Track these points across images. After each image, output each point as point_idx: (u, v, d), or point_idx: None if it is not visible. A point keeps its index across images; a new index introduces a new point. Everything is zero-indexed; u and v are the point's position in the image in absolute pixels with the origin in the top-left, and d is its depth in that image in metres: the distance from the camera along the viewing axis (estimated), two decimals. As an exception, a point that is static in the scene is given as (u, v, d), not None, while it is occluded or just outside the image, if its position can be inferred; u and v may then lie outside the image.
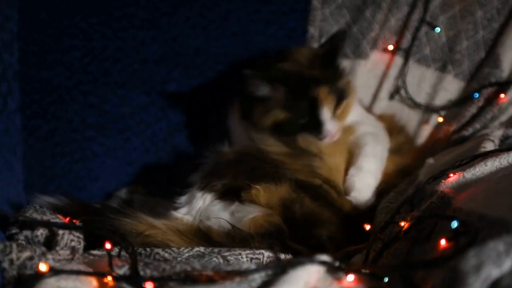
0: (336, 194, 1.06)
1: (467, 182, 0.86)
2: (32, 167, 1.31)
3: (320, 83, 1.14)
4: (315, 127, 1.13)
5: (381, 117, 1.31)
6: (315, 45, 1.43)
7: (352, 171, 1.09)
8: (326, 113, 1.13)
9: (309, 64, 1.18)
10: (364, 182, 1.08)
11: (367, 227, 0.96)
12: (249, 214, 0.99)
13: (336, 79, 1.18)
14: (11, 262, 0.69)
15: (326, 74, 1.16)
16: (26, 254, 0.70)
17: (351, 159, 1.13)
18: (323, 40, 1.44)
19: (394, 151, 1.20)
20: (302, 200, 1.00)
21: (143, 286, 0.65)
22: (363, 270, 0.70)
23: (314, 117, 1.13)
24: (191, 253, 0.86)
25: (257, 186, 1.00)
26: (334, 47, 1.18)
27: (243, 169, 1.04)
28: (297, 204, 0.99)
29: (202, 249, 0.88)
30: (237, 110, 1.25)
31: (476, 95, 1.32)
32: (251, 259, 0.86)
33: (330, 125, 1.13)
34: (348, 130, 1.18)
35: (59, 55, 1.35)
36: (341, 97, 1.17)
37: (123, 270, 0.68)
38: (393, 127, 1.29)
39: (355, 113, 1.24)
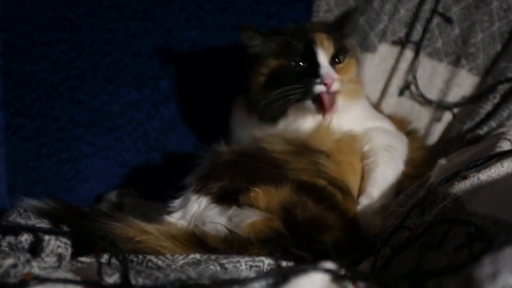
0: (342, 196, 1.06)
1: (482, 184, 0.86)
2: (16, 168, 1.31)
3: (319, 31, 1.16)
4: (312, 73, 1.12)
5: (392, 119, 1.30)
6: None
7: (362, 199, 1.10)
8: (323, 57, 1.13)
9: (312, 27, 1.21)
10: (374, 212, 1.08)
11: (374, 231, 0.96)
12: (247, 219, 0.98)
13: (337, 33, 1.19)
14: (-7, 270, 0.69)
15: (326, 27, 1.19)
16: (9, 261, 0.70)
17: (362, 175, 1.14)
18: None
19: (406, 163, 1.20)
20: (304, 203, 1.00)
21: (135, 295, 0.65)
22: (370, 279, 0.69)
23: (311, 62, 1.13)
24: (186, 260, 0.86)
25: (256, 189, 1.00)
26: (343, 19, 1.21)
27: (242, 170, 1.04)
28: (299, 207, 0.99)
29: (198, 256, 0.88)
30: (241, 105, 1.25)
31: (492, 91, 1.32)
32: (251, 266, 0.85)
33: (328, 70, 1.12)
34: (360, 137, 1.18)
35: (44, 48, 1.35)
36: (342, 49, 1.17)
37: (113, 279, 0.68)
38: (405, 132, 1.29)
39: (368, 117, 1.23)
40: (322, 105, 1.12)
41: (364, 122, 1.20)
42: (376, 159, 1.14)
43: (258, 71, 1.18)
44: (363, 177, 1.14)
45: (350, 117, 1.18)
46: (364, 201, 1.09)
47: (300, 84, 1.12)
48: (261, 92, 1.17)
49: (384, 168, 1.13)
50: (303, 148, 1.09)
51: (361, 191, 1.12)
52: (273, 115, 1.16)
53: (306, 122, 1.16)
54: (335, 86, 1.12)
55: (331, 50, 1.15)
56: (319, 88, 1.11)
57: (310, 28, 1.19)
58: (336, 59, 1.16)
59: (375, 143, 1.16)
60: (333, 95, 1.13)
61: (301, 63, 1.14)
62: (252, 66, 1.20)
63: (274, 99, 1.13)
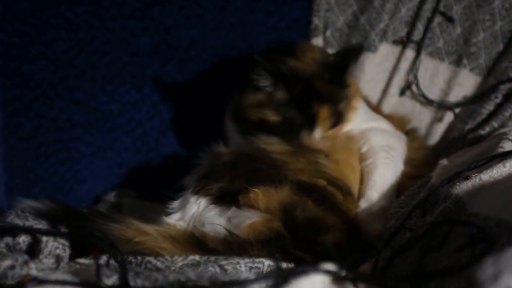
0: (342, 196, 1.06)
1: (484, 184, 0.86)
2: (14, 169, 1.31)
3: (323, 102, 1.16)
4: (303, 132, 1.15)
5: (391, 119, 1.31)
6: (320, 37, 1.43)
7: (362, 203, 1.10)
8: (318, 133, 1.16)
9: (318, 72, 1.18)
10: (375, 215, 1.08)
11: (375, 233, 0.96)
12: (247, 220, 0.98)
13: (339, 99, 1.19)
14: (-9, 271, 0.69)
15: (331, 92, 1.17)
16: (7, 262, 0.70)
17: (361, 176, 1.15)
18: (328, 32, 1.44)
19: (406, 163, 1.20)
20: (304, 204, 1.00)
21: (134, 297, 0.65)
22: (371, 280, 0.69)
23: (306, 128, 1.15)
24: (185, 262, 0.86)
25: (255, 190, 1.00)
26: (346, 61, 1.17)
27: (241, 171, 1.04)
28: (299, 208, 0.99)
29: (197, 257, 0.88)
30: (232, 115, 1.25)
31: (494, 91, 1.32)
32: (250, 268, 0.85)
33: (318, 139, 1.16)
34: (357, 137, 1.18)
35: (43, 47, 1.35)
36: (337, 120, 1.19)
37: (112, 280, 0.68)
38: (404, 131, 1.29)
39: (365, 119, 1.24)
40: None
41: (361, 123, 1.21)
42: (375, 161, 1.14)
43: (254, 104, 1.19)
44: (362, 180, 1.14)
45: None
46: (363, 205, 1.09)
47: (290, 135, 1.14)
48: (251, 120, 1.19)
49: (383, 170, 1.14)
50: (301, 147, 1.10)
51: (360, 194, 1.12)
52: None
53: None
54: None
55: (327, 128, 1.17)
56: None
57: (317, 90, 1.16)
58: (330, 128, 1.18)
59: (373, 144, 1.17)
60: None
61: (295, 131, 1.16)
62: (249, 94, 1.20)
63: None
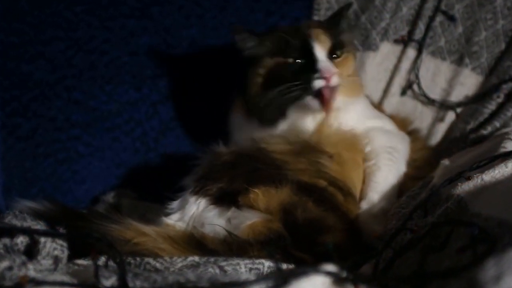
0: (343, 197, 1.06)
1: (485, 185, 0.86)
2: (12, 169, 1.31)
3: (315, 27, 1.17)
4: (310, 69, 1.12)
5: (393, 119, 1.30)
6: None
7: (363, 205, 1.09)
8: (320, 51, 1.14)
9: (307, 24, 1.21)
10: (376, 217, 1.07)
11: (375, 234, 0.96)
12: (247, 220, 0.98)
13: (334, 28, 1.20)
14: (-12, 272, 0.69)
15: (322, 25, 1.20)
16: (5, 264, 0.70)
17: (363, 177, 1.14)
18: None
19: (408, 164, 1.19)
20: (305, 204, 1.00)
21: (132, 298, 0.65)
22: (372, 281, 0.69)
23: (308, 58, 1.13)
24: (184, 263, 0.86)
25: (255, 190, 1.00)
26: (337, 13, 1.23)
27: (241, 171, 1.04)
28: (299, 208, 0.99)
29: (196, 258, 0.88)
30: (239, 106, 1.25)
31: (496, 90, 1.32)
32: (250, 269, 0.85)
33: (326, 64, 1.12)
34: (361, 136, 1.18)
35: (41, 47, 1.35)
36: (339, 44, 1.17)
37: (110, 281, 0.68)
38: (406, 132, 1.28)
39: (367, 116, 1.23)
40: (323, 100, 1.12)
41: (365, 121, 1.20)
42: (378, 162, 1.14)
43: (255, 72, 1.18)
44: (364, 180, 1.13)
45: (351, 114, 1.18)
46: (364, 206, 1.09)
47: (299, 81, 1.11)
48: (259, 93, 1.17)
49: (386, 172, 1.13)
50: (305, 147, 1.09)
51: (361, 195, 1.11)
52: (272, 116, 1.16)
53: (306, 122, 1.16)
54: (334, 80, 1.12)
55: (327, 44, 1.15)
56: (318, 83, 1.11)
57: (305, 25, 1.19)
58: (334, 54, 1.16)
59: (376, 145, 1.16)
60: (333, 90, 1.12)
61: (298, 60, 1.14)
62: (248, 69, 1.20)
63: (273, 99, 1.14)
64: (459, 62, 1.40)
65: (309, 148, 1.10)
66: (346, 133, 1.15)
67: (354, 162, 1.12)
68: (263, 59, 1.17)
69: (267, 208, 1.00)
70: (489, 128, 1.28)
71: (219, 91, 1.40)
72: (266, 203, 1.00)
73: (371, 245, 0.99)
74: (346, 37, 1.22)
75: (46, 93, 1.35)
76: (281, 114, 1.16)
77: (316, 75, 1.11)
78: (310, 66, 1.12)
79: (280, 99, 1.13)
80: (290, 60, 1.14)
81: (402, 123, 1.31)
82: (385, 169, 1.14)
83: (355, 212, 1.07)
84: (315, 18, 1.44)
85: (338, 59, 1.17)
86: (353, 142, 1.15)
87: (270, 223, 0.98)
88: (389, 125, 1.25)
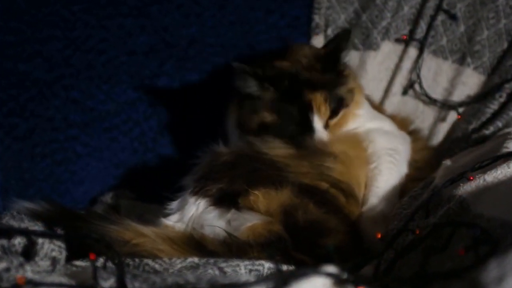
0: (345, 199, 1.06)
1: (488, 185, 0.86)
2: (9, 169, 1.31)
3: (316, 88, 1.14)
4: (305, 132, 1.14)
5: (394, 119, 1.30)
6: (321, 35, 1.43)
7: (364, 209, 1.09)
8: (318, 122, 1.14)
9: (308, 65, 1.17)
10: (376, 222, 1.07)
11: (378, 235, 0.96)
12: (247, 222, 0.98)
13: (335, 84, 1.17)
14: (-14, 274, 0.69)
15: (324, 79, 1.16)
16: (2, 265, 0.70)
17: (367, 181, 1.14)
18: (329, 30, 1.44)
19: (409, 164, 1.19)
20: (306, 206, 1.00)
21: (131, 300, 0.65)
22: (374, 283, 0.70)
23: (305, 125, 1.14)
24: (184, 264, 0.86)
25: (255, 192, 1.00)
26: (337, 48, 1.17)
27: (241, 172, 1.04)
28: (300, 210, 0.99)
29: (196, 259, 0.88)
30: (235, 112, 1.25)
31: (498, 90, 1.32)
32: (250, 270, 0.85)
33: (322, 134, 1.14)
34: (362, 136, 1.18)
35: (38, 46, 1.35)
36: (339, 105, 1.16)
37: (109, 283, 0.68)
38: (407, 132, 1.28)
39: (369, 117, 1.23)
40: None
41: (364, 123, 1.21)
42: (379, 165, 1.14)
43: (251, 109, 1.18)
44: (365, 184, 1.13)
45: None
46: (366, 212, 1.08)
47: (292, 138, 1.13)
48: (254, 129, 1.17)
49: (387, 176, 1.13)
50: (309, 150, 1.09)
51: (363, 199, 1.11)
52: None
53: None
54: (325, 141, 1.14)
55: (327, 114, 1.15)
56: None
57: (307, 90, 1.14)
58: (331, 119, 1.17)
59: (377, 146, 1.16)
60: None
61: (295, 126, 1.14)
62: (244, 104, 1.19)
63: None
64: (461, 61, 1.40)
65: (312, 151, 1.10)
66: (349, 132, 1.17)
67: (361, 159, 1.13)
68: (262, 110, 1.16)
69: (267, 210, 1.00)
70: (491, 128, 1.29)
71: (219, 91, 1.40)
72: (267, 205, 1.00)
73: (372, 247, 0.99)
74: (346, 88, 1.19)
75: (44, 93, 1.35)
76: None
77: (309, 135, 1.13)
78: (306, 130, 1.14)
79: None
80: (287, 124, 1.15)
81: (403, 123, 1.31)
82: (386, 172, 1.14)
83: (357, 213, 1.07)
84: (316, 17, 1.44)
85: (335, 119, 1.17)
86: (357, 140, 1.15)
87: (270, 225, 0.98)
88: (389, 126, 1.25)
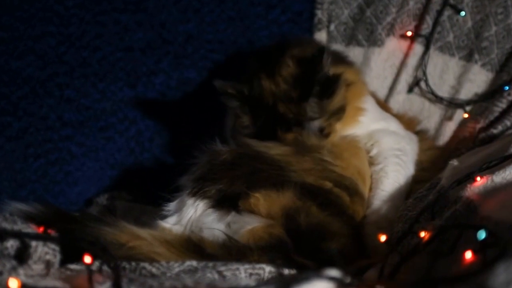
0: (349, 198, 1.06)
1: (496, 186, 0.86)
2: (1, 170, 1.31)
3: (289, 128, 1.15)
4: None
5: (400, 119, 1.30)
6: (323, 31, 1.44)
7: (369, 213, 1.09)
8: None
9: (286, 92, 1.16)
10: (381, 227, 1.07)
11: (383, 238, 0.97)
12: (247, 225, 0.99)
13: (312, 117, 1.15)
14: (-23, 278, 0.69)
15: (300, 113, 1.15)
16: (-6, 269, 0.70)
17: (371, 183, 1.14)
18: (332, 26, 1.44)
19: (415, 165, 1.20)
20: (308, 209, 1.00)
21: (128, 305, 0.65)
22: (377, 287, 0.70)
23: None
24: (182, 268, 0.86)
25: (256, 195, 1.00)
26: (310, 72, 1.13)
27: (241, 172, 1.04)
28: (302, 213, 0.99)
29: (194, 263, 0.88)
30: (230, 119, 1.25)
31: (507, 87, 1.32)
32: (250, 274, 0.85)
33: None
34: (363, 139, 1.17)
35: (31, 42, 1.35)
36: (318, 138, 1.16)
37: (104, 287, 0.68)
38: (413, 132, 1.28)
39: (374, 118, 1.23)
40: None
41: (369, 123, 1.20)
42: (385, 167, 1.14)
43: (236, 129, 1.21)
44: (370, 186, 1.13)
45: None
46: (371, 217, 1.08)
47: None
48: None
49: (394, 179, 1.13)
50: (303, 147, 1.10)
51: (368, 202, 1.11)
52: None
53: None
54: None
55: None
56: None
57: (281, 116, 1.15)
58: None
59: (384, 147, 1.16)
60: None
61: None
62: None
63: None
64: (468, 58, 1.40)
65: (307, 147, 1.10)
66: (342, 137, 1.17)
67: (352, 147, 1.12)
68: (244, 131, 1.19)
69: (268, 213, 1.00)
70: (499, 127, 1.28)
71: (217, 89, 1.40)
72: (268, 207, 1.00)
73: (376, 251, 0.99)
74: (329, 112, 1.16)
75: (37, 91, 1.35)
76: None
77: None
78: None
79: None
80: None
81: (410, 123, 1.31)
82: (392, 175, 1.14)
83: (362, 213, 1.07)
84: (318, 12, 1.44)
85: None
86: (350, 143, 1.15)
87: (271, 229, 0.98)
88: (395, 126, 1.24)
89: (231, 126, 1.25)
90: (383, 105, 1.37)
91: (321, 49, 1.13)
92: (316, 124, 1.16)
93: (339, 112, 1.18)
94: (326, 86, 1.14)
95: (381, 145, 1.16)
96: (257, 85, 1.18)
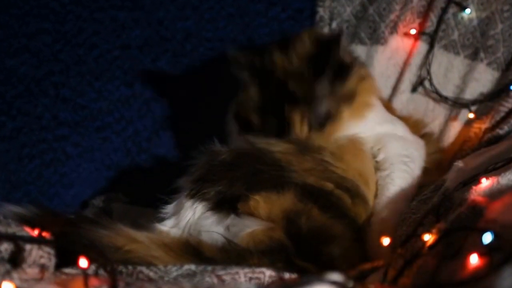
0: (350, 200, 1.06)
1: (502, 188, 0.86)
2: (-5, 171, 1.31)
3: (297, 103, 1.15)
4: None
5: (406, 121, 1.28)
6: (325, 29, 1.44)
7: (374, 222, 1.08)
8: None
9: (299, 70, 1.17)
10: (385, 229, 1.07)
11: (386, 241, 0.96)
12: (246, 228, 0.98)
13: (321, 96, 1.16)
14: (-30, 282, 0.69)
15: (310, 91, 1.15)
16: (-12, 272, 0.70)
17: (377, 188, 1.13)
18: (333, 24, 1.44)
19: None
20: (309, 212, 1.00)
21: (124, 310, 0.65)
22: (381, 292, 0.70)
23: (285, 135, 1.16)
24: (180, 272, 0.86)
25: (256, 197, 1.00)
26: (326, 54, 1.15)
27: (240, 173, 1.04)
28: (303, 216, 0.99)
29: (193, 267, 0.88)
30: (234, 104, 1.25)
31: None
32: (250, 278, 0.85)
33: None
34: (368, 142, 1.17)
35: (26, 40, 1.35)
36: (324, 119, 1.16)
37: (100, 292, 0.68)
38: (419, 135, 1.28)
39: (380, 121, 1.22)
40: None
41: (375, 126, 1.19)
42: (391, 174, 1.13)
43: (241, 104, 1.22)
44: (376, 193, 1.12)
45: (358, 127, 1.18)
46: (376, 225, 1.07)
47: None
48: (241, 124, 1.21)
49: (399, 186, 1.12)
50: (304, 146, 1.10)
51: (373, 209, 1.10)
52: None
53: None
54: None
55: (304, 131, 1.15)
56: None
57: (291, 92, 1.16)
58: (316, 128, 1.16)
59: (391, 152, 1.15)
60: None
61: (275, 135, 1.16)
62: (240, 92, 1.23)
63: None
64: (474, 56, 1.40)
65: (308, 146, 1.10)
66: (345, 138, 1.16)
67: (355, 150, 1.12)
68: (249, 107, 1.20)
69: (268, 216, 1.00)
70: (505, 128, 1.28)
71: (216, 87, 1.40)
72: (268, 210, 1.00)
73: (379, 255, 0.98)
74: (339, 96, 1.17)
75: (32, 90, 1.35)
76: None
77: None
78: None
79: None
80: (269, 130, 1.16)
81: (416, 125, 1.30)
82: (399, 182, 1.13)
83: (364, 215, 1.07)
84: (320, 9, 1.44)
85: (323, 129, 1.16)
86: (353, 145, 1.14)
87: (271, 232, 0.98)
88: (403, 129, 1.23)
89: (241, 100, 1.25)
90: (389, 107, 1.36)
91: (340, 33, 1.20)
92: (324, 107, 1.16)
93: (349, 98, 1.18)
94: (340, 70, 1.16)
95: (388, 150, 1.15)
96: (269, 58, 1.18)
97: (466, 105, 1.39)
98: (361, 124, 1.18)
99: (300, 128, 1.15)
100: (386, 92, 1.43)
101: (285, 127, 1.14)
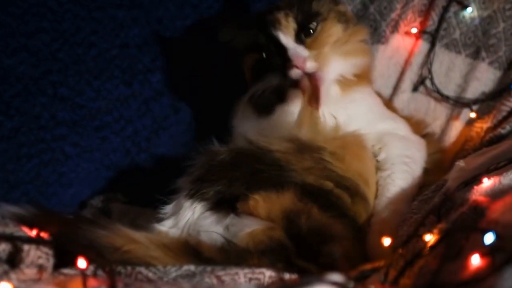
0: (350, 199, 1.06)
1: (504, 189, 0.86)
2: (-7, 171, 1.31)
3: (280, 9, 1.16)
4: (283, 58, 1.14)
5: (408, 121, 1.28)
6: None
7: (374, 225, 1.08)
8: (285, 38, 1.15)
9: (290, 2, 1.20)
10: (385, 230, 1.07)
11: (387, 241, 0.96)
12: (246, 228, 0.98)
13: (304, 5, 1.18)
14: (-32, 282, 0.69)
15: (306, 14, 1.17)
16: (-15, 273, 0.70)
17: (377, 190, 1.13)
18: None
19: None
20: (309, 211, 1.00)
21: (123, 311, 0.65)
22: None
23: (278, 48, 1.15)
24: (179, 272, 0.86)
25: (255, 196, 1.00)
26: None
27: (240, 173, 1.04)
28: (303, 216, 0.99)
29: (192, 267, 0.88)
30: (244, 100, 1.25)
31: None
32: (250, 279, 0.85)
33: (296, 49, 1.14)
34: (369, 139, 1.17)
35: (24, 39, 1.35)
36: (308, 19, 1.16)
37: (99, 292, 0.68)
38: (420, 135, 1.28)
39: (377, 117, 1.22)
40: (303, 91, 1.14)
41: (376, 122, 1.19)
42: (392, 174, 1.13)
43: (243, 66, 1.25)
44: (376, 193, 1.12)
45: (354, 110, 1.17)
46: (376, 226, 1.08)
47: (277, 74, 1.16)
48: (251, 85, 1.23)
49: (400, 187, 1.12)
50: (301, 145, 1.09)
51: (373, 210, 1.10)
52: (264, 107, 1.19)
53: (293, 112, 1.17)
54: (309, 66, 1.13)
55: (292, 27, 1.15)
56: (295, 73, 1.13)
57: (268, 10, 1.19)
58: (304, 34, 1.16)
59: (392, 152, 1.15)
60: (313, 77, 1.13)
61: (270, 52, 1.17)
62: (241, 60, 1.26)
63: (262, 92, 1.19)
64: (475, 55, 1.40)
65: (305, 145, 1.10)
66: (346, 133, 1.14)
67: (356, 148, 1.11)
68: (245, 57, 1.23)
69: (268, 216, 1.00)
70: (507, 127, 1.28)
71: (216, 86, 1.40)
72: (268, 210, 1.00)
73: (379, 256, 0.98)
74: (320, 4, 1.20)
75: (30, 89, 1.35)
76: (271, 105, 1.18)
77: (289, 64, 1.13)
78: (283, 56, 1.15)
79: (266, 92, 1.18)
80: (264, 54, 1.18)
81: (417, 126, 1.30)
82: (399, 183, 1.12)
83: (364, 214, 1.07)
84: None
85: (312, 36, 1.17)
86: (354, 141, 1.14)
87: (271, 231, 0.98)
88: (403, 127, 1.23)
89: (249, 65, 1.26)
90: (390, 106, 1.36)
91: None
92: (307, 6, 1.17)
93: (343, 17, 1.20)
94: None
95: (389, 150, 1.15)
96: (256, 17, 1.21)
97: (468, 104, 1.39)
98: (356, 101, 1.19)
99: (284, 23, 1.15)
100: (387, 91, 1.44)
101: (273, 34, 1.15)
